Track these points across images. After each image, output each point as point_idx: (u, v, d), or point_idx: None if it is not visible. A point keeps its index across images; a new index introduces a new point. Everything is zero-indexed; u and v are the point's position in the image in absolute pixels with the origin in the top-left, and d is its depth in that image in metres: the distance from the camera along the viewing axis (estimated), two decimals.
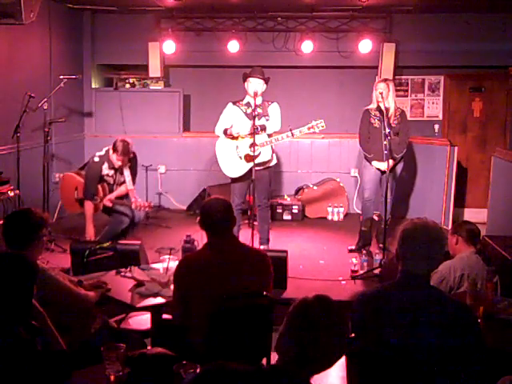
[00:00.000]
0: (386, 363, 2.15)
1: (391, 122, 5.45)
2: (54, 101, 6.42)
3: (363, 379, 2.24)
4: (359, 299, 2.37)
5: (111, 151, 5.32)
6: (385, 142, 5.13)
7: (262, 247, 5.31)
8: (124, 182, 5.49)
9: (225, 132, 5.29)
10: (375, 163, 5.52)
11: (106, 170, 5.41)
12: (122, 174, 5.46)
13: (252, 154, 5.03)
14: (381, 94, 5.37)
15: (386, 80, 5.61)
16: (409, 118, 7.75)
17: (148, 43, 7.42)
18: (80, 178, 5.65)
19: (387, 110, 5.37)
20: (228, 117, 5.34)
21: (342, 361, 2.35)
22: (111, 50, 7.72)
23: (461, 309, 2.28)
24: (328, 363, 1.77)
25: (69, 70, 6.76)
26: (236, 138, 5.25)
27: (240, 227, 5.44)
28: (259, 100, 5.25)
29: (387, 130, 5.08)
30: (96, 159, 5.39)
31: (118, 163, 5.34)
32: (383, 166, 5.28)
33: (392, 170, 5.46)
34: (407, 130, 5.62)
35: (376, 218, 5.74)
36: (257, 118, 5.11)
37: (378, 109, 5.49)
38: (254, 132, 4.97)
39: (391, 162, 5.28)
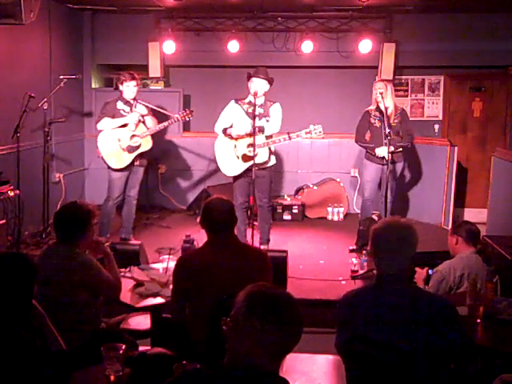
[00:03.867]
0: (377, 363, 2.15)
1: (391, 121, 5.49)
2: (54, 101, 6.41)
3: (362, 379, 2.25)
4: (341, 299, 2.40)
5: (121, 86, 5.62)
6: (385, 141, 5.17)
7: (262, 247, 5.30)
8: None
9: (224, 131, 5.30)
10: (378, 150, 5.52)
11: (120, 105, 5.63)
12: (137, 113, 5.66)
13: (249, 154, 5.06)
14: (381, 93, 5.42)
15: (383, 80, 5.69)
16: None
17: (148, 43, 7.41)
18: None
19: (386, 109, 5.40)
20: (229, 115, 5.34)
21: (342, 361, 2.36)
22: (111, 50, 7.71)
23: (439, 304, 2.27)
24: (290, 343, 1.71)
25: (69, 69, 6.75)
26: (235, 138, 5.26)
27: (247, 225, 5.43)
28: (262, 100, 5.24)
29: (387, 130, 5.11)
30: (108, 100, 5.68)
31: (133, 90, 5.59)
32: (385, 150, 5.30)
33: (392, 170, 5.49)
34: (409, 128, 5.64)
35: (375, 217, 5.75)
36: (257, 118, 5.11)
37: (378, 109, 5.56)
38: (255, 132, 4.96)
39: (392, 148, 5.32)
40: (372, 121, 5.62)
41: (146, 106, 5.74)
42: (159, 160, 7.60)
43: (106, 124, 5.56)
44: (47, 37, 6.55)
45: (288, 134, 5.12)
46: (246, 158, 5.15)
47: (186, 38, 7.55)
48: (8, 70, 5.75)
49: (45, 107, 5.83)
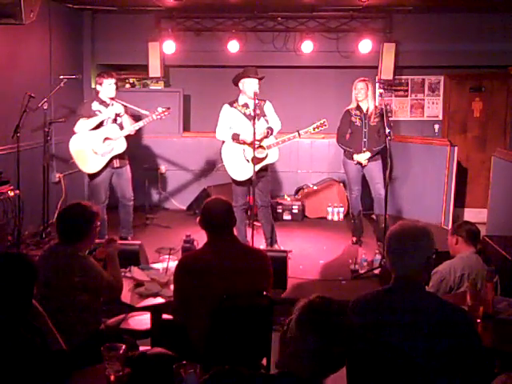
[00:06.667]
0: (385, 365, 2.15)
1: (371, 120, 5.74)
2: (54, 101, 6.41)
3: (363, 380, 2.24)
4: (353, 306, 2.35)
5: (98, 87, 5.49)
6: (364, 140, 5.53)
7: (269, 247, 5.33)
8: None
9: (234, 137, 5.22)
10: (356, 156, 5.75)
11: (96, 105, 5.50)
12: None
13: (259, 156, 5.11)
14: (380, 94, 5.55)
15: (364, 80, 5.83)
16: (409, 118, 7.85)
17: (148, 43, 7.42)
18: None
19: (367, 109, 5.74)
20: (227, 119, 5.30)
21: None
22: (111, 50, 7.71)
23: (455, 312, 2.26)
24: (339, 365, 1.76)
25: (69, 69, 6.75)
26: (249, 143, 5.10)
27: (247, 225, 5.47)
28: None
29: (387, 130, 5.14)
30: (85, 101, 5.53)
31: (114, 87, 5.47)
32: (363, 157, 5.70)
33: (372, 169, 5.76)
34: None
35: (374, 217, 5.85)
36: (256, 119, 5.10)
37: (358, 108, 5.80)
38: (255, 132, 4.95)
39: (369, 154, 5.69)
40: (353, 119, 5.82)
41: (123, 105, 5.59)
42: (159, 160, 7.60)
43: (82, 125, 5.42)
44: (47, 37, 6.56)
45: (297, 131, 5.20)
46: (256, 160, 5.12)
47: (185, 37, 7.55)
48: (8, 70, 5.75)
49: (45, 107, 5.82)
